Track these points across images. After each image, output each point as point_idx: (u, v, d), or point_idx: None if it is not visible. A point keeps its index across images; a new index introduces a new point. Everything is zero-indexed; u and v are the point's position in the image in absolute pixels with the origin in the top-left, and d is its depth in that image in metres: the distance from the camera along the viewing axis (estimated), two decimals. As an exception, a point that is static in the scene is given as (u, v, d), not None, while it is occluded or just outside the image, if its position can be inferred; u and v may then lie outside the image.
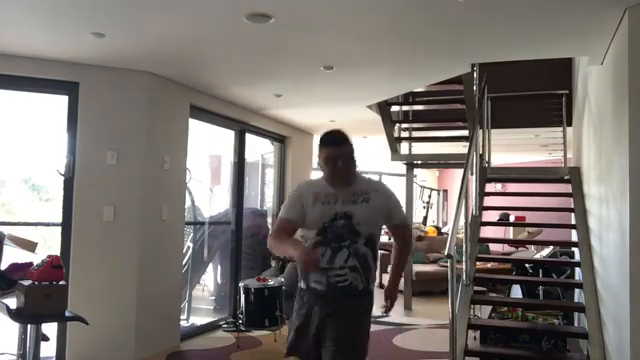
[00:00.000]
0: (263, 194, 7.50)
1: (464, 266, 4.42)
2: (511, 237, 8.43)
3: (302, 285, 2.52)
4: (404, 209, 2.76)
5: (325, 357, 2.37)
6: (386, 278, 5.03)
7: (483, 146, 5.67)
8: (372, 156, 8.94)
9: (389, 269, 2.81)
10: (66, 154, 4.33)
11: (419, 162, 7.29)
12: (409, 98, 6.73)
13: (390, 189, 2.63)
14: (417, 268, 7.95)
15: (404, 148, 7.27)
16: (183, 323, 5.36)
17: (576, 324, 5.12)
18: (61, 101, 4.37)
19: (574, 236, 5.04)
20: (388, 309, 2.66)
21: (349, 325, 2.42)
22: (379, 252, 2.98)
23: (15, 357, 3.28)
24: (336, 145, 2.46)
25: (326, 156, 2.45)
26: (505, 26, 3.34)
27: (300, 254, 2.31)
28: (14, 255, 3.47)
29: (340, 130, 2.51)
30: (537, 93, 6.48)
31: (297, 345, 2.48)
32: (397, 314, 6.56)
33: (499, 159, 7.82)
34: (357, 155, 2.51)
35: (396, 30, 3.47)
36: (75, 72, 4.30)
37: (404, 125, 7.23)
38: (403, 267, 2.79)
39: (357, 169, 2.54)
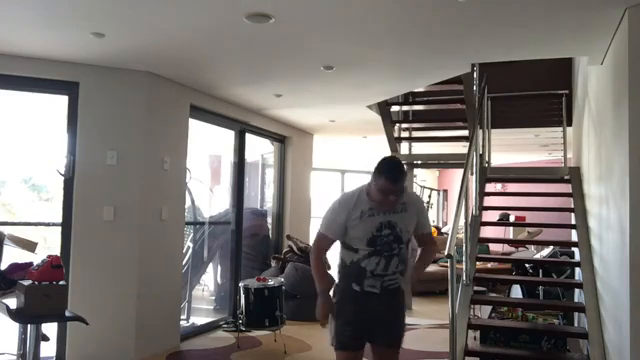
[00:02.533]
0: (263, 194, 7.51)
1: (464, 266, 4.42)
2: (511, 237, 8.43)
3: (356, 288, 2.72)
4: None
5: (381, 342, 2.76)
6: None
7: (483, 146, 5.67)
8: (372, 156, 8.94)
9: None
10: (66, 154, 4.33)
11: (419, 162, 7.29)
12: (409, 98, 6.73)
13: (422, 201, 2.99)
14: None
15: (404, 148, 7.27)
16: (183, 323, 5.36)
17: (576, 324, 5.12)
18: (61, 101, 4.37)
19: (574, 236, 5.04)
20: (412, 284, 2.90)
21: (398, 317, 2.82)
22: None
23: (15, 357, 3.28)
24: (393, 181, 2.59)
25: (381, 188, 2.60)
26: (505, 26, 3.34)
27: (319, 303, 2.75)
28: (14, 255, 3.47)
29: (399, 162, 2.69)
30: (537, 93, 6.48)
31: (348, 341, 2.72)
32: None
33: (499, 159, 7.82)
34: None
35: (396, 30, 3.47)
36: (75, 72, 4.31)
37: (404, 125, 7.23)
38: (427, 261, 2.98)
39: None
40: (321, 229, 2.77)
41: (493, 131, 6.11)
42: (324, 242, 2.79)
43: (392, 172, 2.60)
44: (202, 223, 6.26)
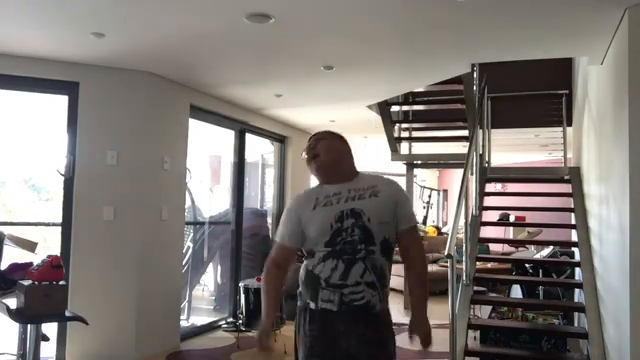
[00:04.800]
0: (263, 194, 7.50)
1: (464, 266, 4.42)
2: (511, 237, 8.43)
3: (312, 305, 2.14)
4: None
5: None
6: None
7: (483, 146, 5.67)
8: (372, 156, 8.95)
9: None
10: (66, 154, 4.33)
11: (419, 162, 7.30)
12: (409, 98, 6.73)
13: (401, 187, 2.33)
14: (417, 268, 7.92)
15: (404, 148, 7.27)
16: (183, 323, 5.36)
17: (576, 324, 5.12)
18: (61, 101, 4.37)
19: (574, 236, 5.04)
20: (424, 344, 2.30)
21: (374, 353, 2.13)
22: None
23: (15, 357, 3.28)
24: (311, 138, 2.36)
25: (305, 149, 2.32)
26: (505, 26, 3.34)
27: (259, 333, 2.23)
28: (14, 255, 3.47)
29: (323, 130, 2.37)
30: (537, 93, 6.48)
31: None
32: (397, 314, 6.55)
33: (499, 159, 7.82)
34: (343, 147, 2.33)
35: (396, 30, 3.47)
36: (75, 72, 4.30)
37: (404, 125, 7.23)
38: (425, 288, 2.34)
39: (354, 166, 2.31)
40: (276, 237, 2.29)
41: (493, 131, 6.11)
42: (278, 253, 2.26)
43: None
44: (202, 223, 6.26)
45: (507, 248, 8.52)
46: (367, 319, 2.11)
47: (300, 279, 2.22)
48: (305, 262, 2.22)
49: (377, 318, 2.14)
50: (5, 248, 3.41)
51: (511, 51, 3.97)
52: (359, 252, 2.09)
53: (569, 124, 6.37)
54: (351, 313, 2.09)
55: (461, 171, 4.36)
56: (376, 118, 6.42)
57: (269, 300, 2.27)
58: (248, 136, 6.35)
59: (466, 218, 4.68)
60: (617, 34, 3.25)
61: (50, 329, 3.61)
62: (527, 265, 5.82)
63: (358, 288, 2.08)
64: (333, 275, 2.09)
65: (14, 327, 3.16)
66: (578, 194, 5.10)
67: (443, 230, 10.58)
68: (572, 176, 5.36)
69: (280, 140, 7.37)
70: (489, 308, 5.18)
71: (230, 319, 5.94)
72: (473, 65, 5.64)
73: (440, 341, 5.36)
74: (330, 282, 2.09)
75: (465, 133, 6.39)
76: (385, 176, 2.34)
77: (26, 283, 2.95)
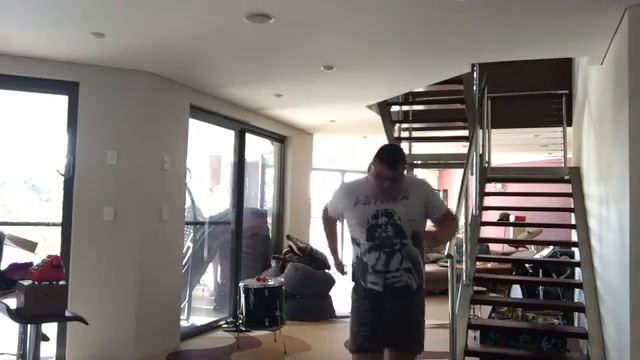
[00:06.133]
0: (263, 194, 7.50)
1: (464, 266, 4.42)
2: (511, 237, 8.43)
3: (363, 285, 2.68)
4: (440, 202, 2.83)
5: (393, 348, 2.66)
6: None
7: (483, 146, 5.67)
8: (372, 156, 8.94)
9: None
10: (66, 154, 4.33)
11: (419, 162, 7.29)
12: (409, 98, 6.72)
13: (429, 185, 2.81)
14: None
15: (404, 148, 7.26)
16: (183, 323, 5.36)
17: (576, 324, 5.12)
18: (61, 101, 4.37)
19: (574, 236, 5.04)
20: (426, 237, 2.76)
21: (408, 319, 2.66)
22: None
23: (15, 357, 3.28)
24: (388, 166, 2.55)
25: (377, 172, 2.58)
26: (505, 26, 3.34)
27: (335, 266, 2.98)
28: (14, 255, 3.47)
29: (398, 149, 2.66)
30: (537, 93, 6.48)
31: (364, 342, 2.64)
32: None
33: (499, 159, 7.82)
34: (405, 170, 2.70)
35: (396, 30, 3.47)
36: (75, 72, 4.30)
37: (404, 125, 7.22)
38: (449, 229, 2.81)
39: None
40: (327, 204, 2.93)
41: (493, 131, 6.11)
42: (326, 214, 2.94)
43: (389, 157, 2.56)
44: (202, 223, 6.26)
45: (507, 248, 8.52)
46: (405, 298, 2.64)
47: (352, 263, 2.75)
48: (353, 250, 2.73)
49: (413, 297, 2.66)
50: (5, 248, 3.40)
51: (511, 51, 3.97)
52: (395, 245, 2.58)
53: (569, 124, 6.37)
54: (393, 292, 2.61)
55: (461, 171, 4.37)
56: (376, 117, 6.42)
57: (330, 242, 3.01)
58: (248, 136, 6.35)
59: (466, 218, 4.69)
60: (617, 34, 3.25)
61: (50, 329, 3.61)
62: (527, 265, 5.82)
63: (398, 273, 2.59)
64: (378, 263, 2.60)
65: (14, 327, 3.16)
66: (578, 194, 5.10)
67: (443, 230, 10.55)
68: (572, 176, 5.36)
69: (280, 140, 7.36)
70: (489, 308, 5.18)
71: (230, 319, 5.94)
72: (473, 65, 5.63)
73: (440, 341, 5.36)
74: (375, 269, 2.61)
75: (465, 133, 6.38)
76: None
77: (26, 283, 2.95)
